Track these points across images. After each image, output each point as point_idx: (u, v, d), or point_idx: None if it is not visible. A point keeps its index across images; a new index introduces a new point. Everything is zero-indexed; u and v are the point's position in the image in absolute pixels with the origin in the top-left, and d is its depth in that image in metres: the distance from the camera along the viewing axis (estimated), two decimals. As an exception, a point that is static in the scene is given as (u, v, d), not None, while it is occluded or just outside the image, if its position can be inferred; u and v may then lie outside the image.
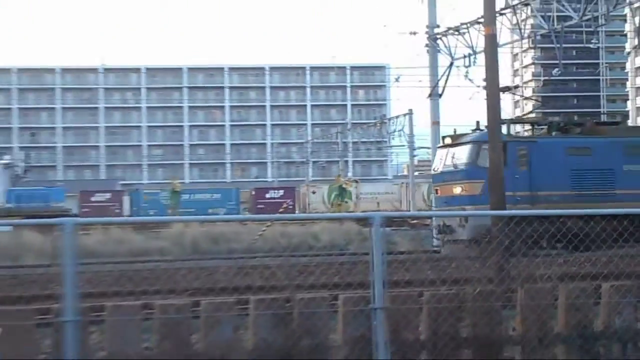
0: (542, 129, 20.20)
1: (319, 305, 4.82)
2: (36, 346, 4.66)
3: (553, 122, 21.19)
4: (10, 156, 46.14)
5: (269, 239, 22.01)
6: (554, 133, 19.24)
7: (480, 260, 10.29)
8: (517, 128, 23.75)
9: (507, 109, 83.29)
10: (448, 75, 25.94)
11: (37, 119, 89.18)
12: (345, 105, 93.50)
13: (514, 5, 24.74)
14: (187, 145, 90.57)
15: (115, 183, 67.07)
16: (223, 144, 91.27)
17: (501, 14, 22.67)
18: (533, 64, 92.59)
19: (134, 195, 41.78)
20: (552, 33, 23.92)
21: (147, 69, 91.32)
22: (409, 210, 35.19)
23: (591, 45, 28.52)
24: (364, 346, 4.66)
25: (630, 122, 49.64)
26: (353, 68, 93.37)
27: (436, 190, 19.42)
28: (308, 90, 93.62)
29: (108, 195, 41.23)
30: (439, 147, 20.50)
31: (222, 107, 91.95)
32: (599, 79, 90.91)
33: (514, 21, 24.36)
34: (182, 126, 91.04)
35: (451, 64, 25.88)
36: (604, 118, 72.21)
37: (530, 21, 27.29)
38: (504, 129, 17.80)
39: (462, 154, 17.91)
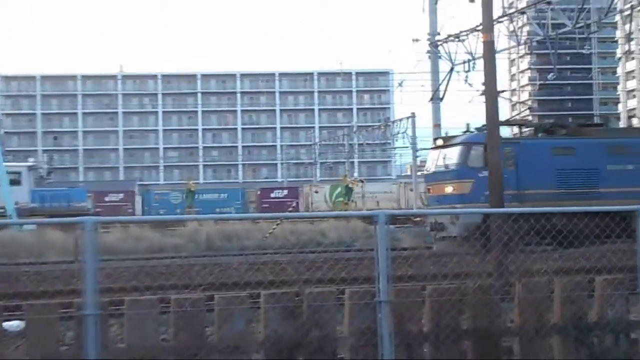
0: (530, 130, 20.14)
1: (327, 299, 4.81)
2: (59, 338, 4.68)
3: (539, 124, 21.15)
4: (34, 158, 46.37)
5: (279, 236, 22.00)
6: (540, 134, 19.17)
7: (472, 255, 10.26)
8: (513, 129, 23.70)
9: (505, 111, 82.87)
10: (449, 80, 25.92)
11: (59, 124, 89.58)
12: (351, 109, 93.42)
13: (511, 14, 24.65)
14: (201, 147, 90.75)
15: (134, 184, 67.23)
16: (235, 146, 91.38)
17: (499, 22, 22.60)
18: (529, 69, 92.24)
19: (145, 195, 41.80)
20: (547, 40, 23.82)
21: (163, 75, 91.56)
22: (409, 209, 35.12)
23: (584, 51, 28.36)
24: (370, 337, 4.66)
25: (621, 124, 49.31)
26: (358, 74, 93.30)
27: (428, 189, 19.44)
28: (316, 95, 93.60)
29: (121, 196, 41.21)
30: (431, 149, 20.52)
31: (234, 111, 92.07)
32: (591, 83, 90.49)
33: (511, 28, 24.28)
34: (196, 129, 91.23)
35: (451, 69, 25.84)
36: (597, 120, 71.78)
37: (527, 28, 27.17)
38: None
39: (452, 155, 17.89)
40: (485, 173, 17.55)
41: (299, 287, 5.73)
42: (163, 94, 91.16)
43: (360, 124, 71.70)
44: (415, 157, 37.62)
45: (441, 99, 26.52)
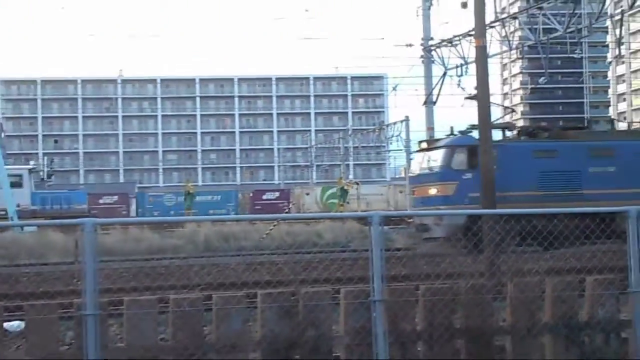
0: (513, 133, 20.13)
1: (322, 299, 4.81)
2: (59, 338, 4.67)
3: (522, 127, 21.17)
4: (35, 161, 46.24)
5: (276, 237, 21.99)
6: (523, 137, 19.18)
7: (463, 255, 10.27)
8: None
9: (497, 116, 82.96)
10: (442, 84, 25.96)
11: (60, 127, 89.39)
12: (347, 112, 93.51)
13: (503, 19, 24.71)
14: (200, 150, 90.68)
15: (133, 186, 67.08)
16: (233, 149, 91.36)
17: (491, 27, 22.65)
18: (521, 73, 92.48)
19: (139, 197, 41.58)
20: (538, 44, 23.88)
21: (162, 80, 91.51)
22: (398, 210, 35.16)
23: (575, 56, 28.50)
24: (364, 336, 4.66)
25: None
26: (353, 78, 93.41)
27: (413, 191, 19.47)
28: (312, 98, 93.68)
29: (115, 198, 40.93)
30: (415, 152, 20.54)
31: (232, 115, 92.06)
32: (582, 87, 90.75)
33: (503, 33, 24.34)
34: (195, 133, 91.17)
35: (444, 73, 25.88)
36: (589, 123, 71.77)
37: (518, 33, 27.22)
38: (475, 134, 17.83)
39: (436, 158, 17.90)
40: (469, 175, 17.61)
41: (295, 287, 5.73)
42: (162, 97, 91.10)
43: (355, 127, 71.74)
44: (408, 159, 37.67)
45: (434, 103, 26.57)
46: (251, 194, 44.23)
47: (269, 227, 22.97)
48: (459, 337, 4.92)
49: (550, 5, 23.37)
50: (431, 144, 19.02)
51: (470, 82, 25.24)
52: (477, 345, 4.89)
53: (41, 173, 39.87)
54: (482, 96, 11.34)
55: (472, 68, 19.01)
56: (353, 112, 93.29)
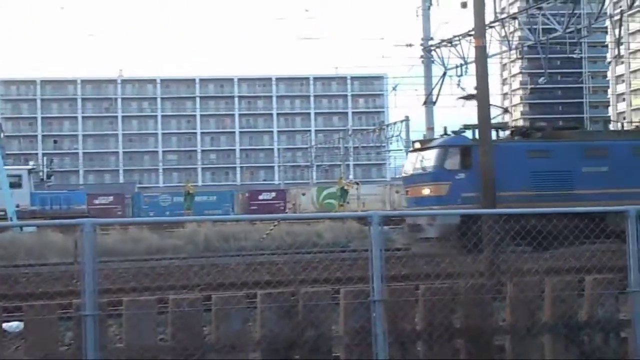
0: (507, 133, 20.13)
1: (322, 299, 4.81)
2: (58, 339, 4.66)
3: (515, 127, 21.14)
4: (34, 162, 46.21)
5: (276, 237, 21.99)
6: (516, 137, 19.17)
7: (463, 255, 10.28)
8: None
9: (493, 114, 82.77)
10: (441, 84, 25.97)
11: (59, 127, 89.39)
12: (347, 112, 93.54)
13: (502, 19, 24.73)
14: (200, 150, 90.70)
15: (133, 186, 67.08)
16: (233, 150, 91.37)
17: (491, 27, 22.66)
18: (520, 73, 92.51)
19: (135, 198, 41.49)
20: (538, 44, 23.89)
21: (162, 80, 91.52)
22: (394, 210, 35.15)
23: (574, 56, 28.54)
24: (364, 336, 4.66)
25: (611, 127, 49.56)
26: (353, 78, 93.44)
27: (407, 191, 19.48)
28: (312, 99, 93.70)
29: (111, 198, 40.80)
30: (409, 152, 20.51)
31: (232, 115, 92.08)
32: (582, 87, 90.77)
33: (503, 33, 24.35)
34: (194, 133, 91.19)
35: (444, 73, 25.89)
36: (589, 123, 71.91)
37: (518, 33, 27.24)
38: (469, 134, 17.84)
39: (429, 158, 17.90)
40: (462, 175, 17.61)
41: (295, 287, 5.72)
42: (162, 98, 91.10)
43: (355, 128, 71.80)
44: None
45: (434, 103, 26.58)
46: (247, 195, 44.15)
47: (269, 227, 22.98)
48: (458, 337, 4.92)
49: (550, 6, 23.38)
50: (424, 144, 19.03)
51: (470, 82, 25.22)
52: (476, 345, 4.89)
53: (40, 173, 39.85)
54: (481, 96, 11.34)
55: (472, 68, 19.04)
56: (353, 112, 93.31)
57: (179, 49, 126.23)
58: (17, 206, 24.89)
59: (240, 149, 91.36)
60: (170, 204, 40.08)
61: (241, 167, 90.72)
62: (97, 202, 38.60)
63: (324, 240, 22.10)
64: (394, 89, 35.40)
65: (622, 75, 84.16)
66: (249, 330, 4.82)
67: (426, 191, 17.67)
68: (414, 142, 20.15)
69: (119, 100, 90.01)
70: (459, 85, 25.43)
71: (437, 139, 19.02)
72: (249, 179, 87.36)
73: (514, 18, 25.13)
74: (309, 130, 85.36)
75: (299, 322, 4.71)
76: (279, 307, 4.70)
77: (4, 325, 4.89)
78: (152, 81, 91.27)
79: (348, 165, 73.72)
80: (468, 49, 24.35)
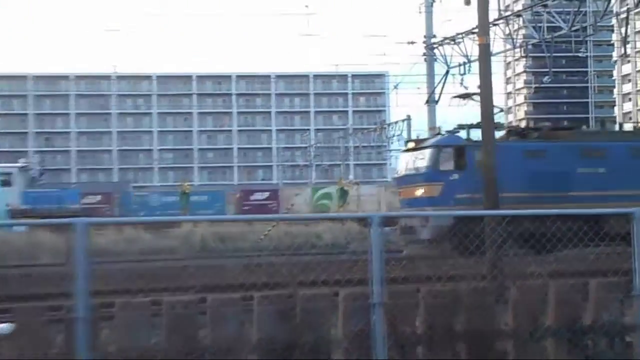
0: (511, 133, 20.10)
1: (321, 301, 4.80)
2: (49, 341, 4.65)
3: (511, 127, 21.13)
4: (25, 159, 46.19)
5: (274, 237, 22.00)
6: (512, 138, 19.14)
7: (465, 257, 10.28)
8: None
9: (500, 114, 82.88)
10: (444, 83, 25.97)
11: (52, 124, 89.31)
12: (347, 111, 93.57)
13: (506, 16, 24.74)
14: (197, 149, 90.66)
15: (127, 185, 67.02)
16: (231, 148, 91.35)
17: (494, 25, 22.66)
18: (525, 72, 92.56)
19: (124, 197, 41.31)
20: (542, 43, 23.90)
21: (158, 76, 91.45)
22: (389, 211, 35.12)
23: (580, 54, 28.58)
24: (363, 340, 4.65)
25: (617, 127, 49.63)
26: (354, 76, 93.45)
27: (399, 192, 19.47)
28: (311, 97, 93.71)
29: (99, 197, 40.60)
30: (402, 152, 20.52)
31: (230, 113, 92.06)
32: (587, 87, 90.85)
33: (507, 31, 24.35)
34: (191, 131, 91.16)
35: (447, 72, 25.89)
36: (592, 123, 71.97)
37: (522, 31, 27.26)
38: (463, 134, 17.85)
39: (422, 158, 17.89)
40: (456, 176, 17.61)
41: (293, 289, 5.72)
42: (158, 94, 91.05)
43: (355, 127, 71.80)
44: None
45: (437, 102, 26.57)
46: (239, 194, 44.01)
47: (267, 228, 22.99)
48: (459, 341, 4.92)
49: (555, 3, 23.38)
50: (417, 143, 19.02)
51: (473, 81, 25.25)
52: (478, 349, 4.89)
53: (32, 172, 39.80)
54: (485, 95, 11.35)
55: (475, 66, 19.05)
56: (353, 111, 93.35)
57: (176, 45, 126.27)
58: (7, 205, 24.89)
59: (238, 148, 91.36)
60: (160, 203, 39.96)
61: (239, 166, 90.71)
62: (84, 201, 38.44)
63: (323, 242, 22.11)
64: (395, 87, 35.47)
65: (628, 75, 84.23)
66: (245, 334, 4.82)
67: (419, 192, 17.65)
68: (407, 141, 20.21)
69: (114, 97, 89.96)
70: (462, 83, 25.43)
71: (430, 138, 19.02)
72: (247, 178, 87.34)
73: (519, 15, 25.14)
74: (309, 129, 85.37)
75: (297, 325, 4.70)
76: (276, 309, 4.70)
77: (-6, 326, 4.88)
78: (148, 77, 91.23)
79: (348, 165, 73.74)
80: (471, 46, 24.36)
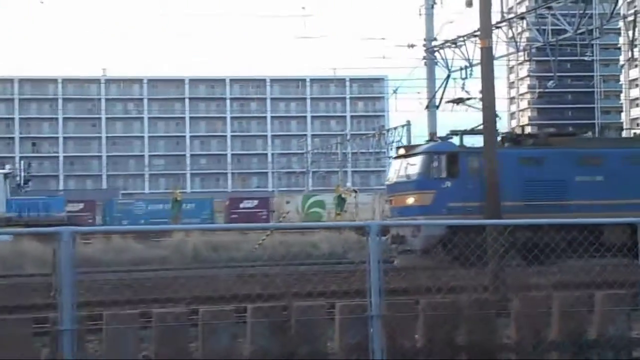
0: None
1: (316, 313, 4.80)
2: (34, 354, 4.63)
3: (506, 133, 21.16)
4: (10, 165, 46.10)
5: (268, 247, 21.98)
6: (507, 144, 19.11)
7: (466, 268, 10.28)
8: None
9: (504, 120, 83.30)
10: (445, 87, 26.02)
11: (38, 129, 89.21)
12: (345, 116, 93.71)
13: (509, 19, 24.83)
14: (189, 155, 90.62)
15: (117, 193, 66.94)
16: (224, 155, 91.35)
17: (497, 27, 22.75)
18: (528, 76, 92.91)
19: (107, 205, 41.26)
20: (547, 46, 24.01)
21: (149, 79, 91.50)
22: (384, 219, 35.11)
23: (586, 58, 28.68)
24: (361, 354, 4.64)
25: (624, 134, 49.76)
26: (352, 80, 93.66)
27: (390, 200, 19.44)
28: (308, 101, 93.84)
29: (81, 205, 40.50)
30: (393, 158, 20.52)
31: (224, 118, 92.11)
32: (593, 91, 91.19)
33: (510, 34, 24.44)
34: (184, 137, 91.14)
35: (448, 76, 25.95)
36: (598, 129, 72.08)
37: (526, 34, 27.35)
38: (456, 140, 17.85)
39: (413, 165, 17.88)
40: (448, 184, 17.59)
41: (288, 300, 5.71)
42: (149, 99, 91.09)
43: (354, 132, 71.97)
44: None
45: (437, 107, 26.63)
46: (227, 202, 43.91)
47: (261, 237, 22.97)
48: (460, 355, 4.92)
49: (560, 5, 23.51)
50: (409, 150, 19.02)
51: (475, 85, 25.28)
52: (480, 363, 4.88)
53: (17, 178, 39.71)
54: (487, 100, 11.39)
55: (477, 70, 19.11)
56: (352, 116, 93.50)
57: (168, 47, 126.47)
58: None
59: (232, 154, 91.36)
60: (145, 212, 39.86)
61: (233, 173, 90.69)
62: (66, 209, 38.35)
63: (319, 251, 22.08)
64: (394, 91, 35.48)
65: (635, 80, 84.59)
66: (238, 347, 4.80)
67: (410, 200, 17.61)
68: (397, 148, 20.20)
69: (103, 101, 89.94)
70: (463, 88, 25.50)
71: (422, 145, 19.05)
72: (241, 185, 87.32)
73: (522, 18, 25.24)
74: (305, 135, 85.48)
75: (292, 338, 4.69)
76: (270, 322, 4.69)
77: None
78: (139, 81, 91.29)
79: (346, 172, 73.77)
80: (473, 50, 24.43)
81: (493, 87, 11.42)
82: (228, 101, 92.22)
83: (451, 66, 25.87)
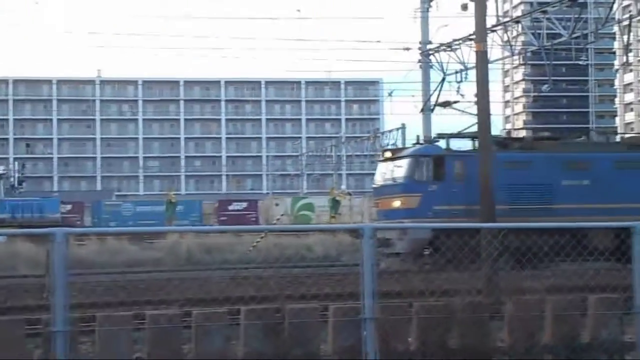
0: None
1: (310, 316, 4.80)
2: (26, 356, 4.62)
3: (491, 137, 21.08)
4: (4, 167, 45.95)
5: (262, 249, 21.96)
6: (493, 148, 19.09)
7: (460, 271, 10.30)
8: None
9: (498, 123, 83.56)
10: (440, 91, 26.07)
11: (33, 130, 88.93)
12: (340, 119, 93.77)
13: (505, 23, 24.92)
14: (183, 157, 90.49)
15: (111, 194, 66.80)
16: (219, 157, 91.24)
17: (492, 31, 22.82)
18: (523, 80, 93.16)
19: (95, 207, 41.15)
20: (542, 50, 24.08)
21: (144, 81, 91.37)
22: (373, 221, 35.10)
23: (580, 62, 28.86)
24: (354, 356, 4.65)
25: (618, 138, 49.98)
26: (347, 83, 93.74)
27: (377, 203, 19.47)
28: (303, 104, 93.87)
29: (69, 207, 40.36)
30: (379, 161, 20.58)
31: (218, 119, 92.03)
32: (588, 96, 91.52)
33: (505, 38, 24.53)
34: (178, 138, 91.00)
35: (443, 79, 26.01)
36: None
37: (521, 38, 27.48)
38: (442, 144, 17.89)
39: (400, 168, 17.91)
40: (434, 187, 17.62)
41: (281, 303, 5.71)
42: (143, 100, 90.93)
43: (348, 135, 71.97)
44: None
45: (432, 110, 26.69)
46: (216, 204, 43.83)
47: (256, 239, 22.97)
48: (454, 358, 4.93)
49: (555, 10, 23.59)
50: (395, 153, 19.05)
51: (470, 89, 25.37)
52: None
53: (12, 179, 39.60)
54: (482, 104, 11.43)
55: (472, 74, 19.17)
56: (346, 119, 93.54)
57: (163, 49, 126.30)
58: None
59: (227, 156, 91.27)
60: (133, 213, 39.76)
61: (227, 175, 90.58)
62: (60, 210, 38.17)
63: (313, 254, 22.09)
64: (389, 94, 35.63)
65: (630, 84, 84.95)
66: (231, 349, 4.80)
67: (396, 203, 17.64)
68: (383, 150, 20.24)
69: (97, 102, 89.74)
70: (458, 91, 25.56)
71: (408, 148, 19.09)
72: (236, 188, 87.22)
73: (517, 22, 25.34)
74: (300, 137, 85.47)
75: (285, 340, 4.69)
76: (263, 324, 4.69)
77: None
78: (133, 82, 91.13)
79: (340, 175, 73.80)
80: (468, 53, 24.49)
81: (488, 91, 11.46)
82: (223, 103, 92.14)
83: (446, 69, 25.94)
